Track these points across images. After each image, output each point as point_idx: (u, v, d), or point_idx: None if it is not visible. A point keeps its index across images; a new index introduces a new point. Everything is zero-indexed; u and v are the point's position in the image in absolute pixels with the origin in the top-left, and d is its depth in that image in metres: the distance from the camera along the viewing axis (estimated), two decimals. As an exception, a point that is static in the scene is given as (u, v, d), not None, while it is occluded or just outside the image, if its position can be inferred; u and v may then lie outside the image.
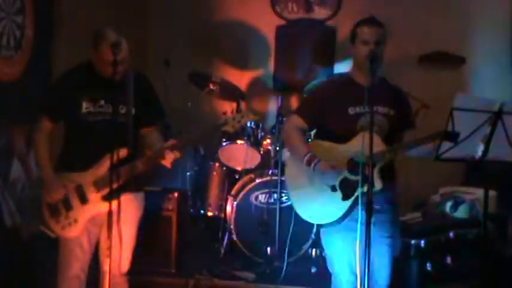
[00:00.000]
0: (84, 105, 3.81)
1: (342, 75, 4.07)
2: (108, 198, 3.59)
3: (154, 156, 3.80)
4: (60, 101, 3.88)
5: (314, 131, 4.18)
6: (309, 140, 4.33)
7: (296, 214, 3.98)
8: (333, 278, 3.91)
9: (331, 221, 3.79)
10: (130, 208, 3.91)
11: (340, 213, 3.74)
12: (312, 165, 3.75)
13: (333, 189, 3.76)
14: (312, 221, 3.98)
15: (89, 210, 3.81)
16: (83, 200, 3.81)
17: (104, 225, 3.65)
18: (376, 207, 3.50)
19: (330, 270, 3.92)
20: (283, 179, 5.28)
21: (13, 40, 4.66)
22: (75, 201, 3.81)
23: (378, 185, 3.61)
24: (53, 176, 3.85)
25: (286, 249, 5.10)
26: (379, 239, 3.70)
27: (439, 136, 3.51)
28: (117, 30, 3.76)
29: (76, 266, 3.91)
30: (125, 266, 3.97)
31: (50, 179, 3.85)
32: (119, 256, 3.81)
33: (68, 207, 3.82)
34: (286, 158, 4.12)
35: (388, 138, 3.78)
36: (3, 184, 4.57)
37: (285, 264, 5.07)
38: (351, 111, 3.79)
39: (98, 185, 3.77)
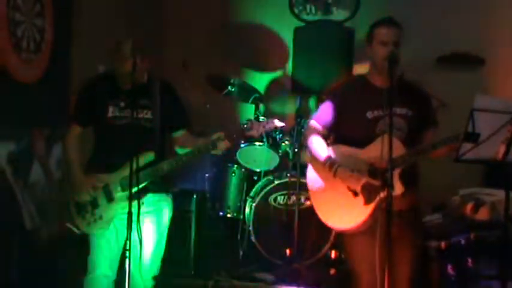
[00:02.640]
0: (110, 109, 3.97)
1: (358, 78, 4.04)
2: (131, 198, 3.64)
3: (206, 146, 3.91)
4: (88, 106, 4.06)
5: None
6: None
7: (316, 216, 3.97)
8: (354, 280, 3.90)
9: (353, 226, 3.77)
10: (157, 209, 4.04)
11: (362, 218, 3.73)
12: (333, 170, 3.74)
13: (355, 194, 3.75)
14: (334, 226, 3.97)
15: (115, 208, 3.92)
16: (109, 198, 3.94)
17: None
18: (398, 210, 3.49)
19: (353, 272, 3.90)
20: (302, 180, 5.28)
21: (33, 43, 4.70)
22: (101, 200, 3.94)
23: (399, 189, 3.59)
24: (83, 178, 3.99)
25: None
26: (402, 241, 3.69)
27: (455, 139, 3.48)
28: (133, 42, 3.91)
29: (104, 264, 3.99)
30: (153, 269, 4.06)
31: (80, 181, 3.99)
32: (148, 257, 3.97)
33: (95, 205, 3.94)
34: (307, 160, 4.10)
35: (409, 139, 3.75)
36: (23, 186, 4.61)
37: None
38: (369, 115, 3.77)
39: (123, 184, 3.87)
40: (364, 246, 3.75)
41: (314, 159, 3.95)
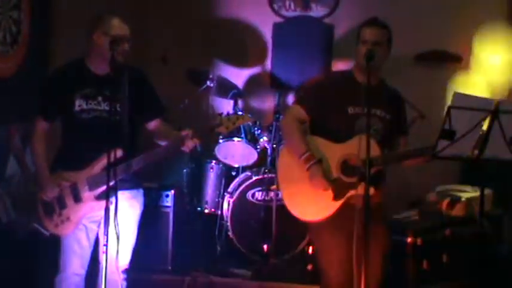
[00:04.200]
0: (77, 102, 3.82)
1: (344, 72, 4.07)
2: (103, 196, 3.57)
3: (175, 142, 3.77)
4: (52, 99, 3.90)
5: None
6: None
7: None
8: (322, 274, 3.91)
9: (318, 219, 3.80)
10: (129, 205, 3.94)
11: (328, 213, 3.76)
12: (308, 165, 3.75)
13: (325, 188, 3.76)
14: (299, 217, 3.94)
15: (82, 209, 3.83)
16: (77, 199, 3.82)
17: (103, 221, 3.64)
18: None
19: (319, 265, 3.92)
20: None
21: (9, 36, 4.65)
22: (69, 200, 3.83)
23: (371, 190, 3.61)
24: (48, 175, 3.87)
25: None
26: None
27: (428, 151, 3.52)
28: (123, 18, 3.79)
29: (75, 263, 3.94)
30: (124, 263, 3.97)
31: (45, 178, 3.87)
32: (118, 253, 3.80)
33: (62, 205, 3.84)
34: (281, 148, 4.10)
35: (384, 142, 3.80)
36: (-1, 180, 4.58)
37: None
38: (350, 110, 3.80)
39: (91, 184, 3.78)
40: (329, 240, 3.79)
41: (289, 147, 3.93)
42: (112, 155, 3.53)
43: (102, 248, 3.66)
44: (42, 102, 4.00)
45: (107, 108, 3.76)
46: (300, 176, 3.80)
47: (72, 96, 3.82)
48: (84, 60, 3.88)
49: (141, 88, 3.96)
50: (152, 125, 4.03)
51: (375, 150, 3.64)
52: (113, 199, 3.57)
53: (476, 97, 3.59)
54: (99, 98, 3.82)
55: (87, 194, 3.80)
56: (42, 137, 3.95)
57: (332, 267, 3.80)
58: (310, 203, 3.80)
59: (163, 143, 3.91)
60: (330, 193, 3.73)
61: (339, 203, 3.73)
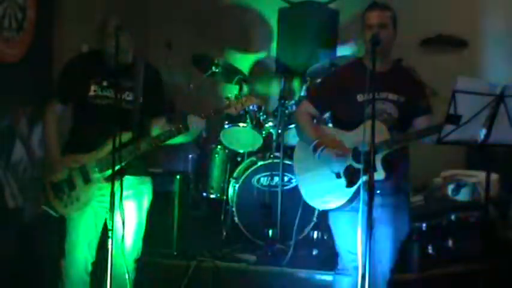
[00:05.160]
0: (92, 88, 3.91)
1: (354, 61, 4.09)
2: (110, 179, 3.60)
3: (183, 125, 3.84)
4: (70, 83, 3.98)
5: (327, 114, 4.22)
6: (329, 123, 4.36)
7: (300, 197, 4.02)
8: (338, 258, 3.95)
9: (334, 207, 3.83)
10: (138, 192, 4.01)
11: (343, 201, 3.78)
12: (318, 151, 3.78)
13: (338, 176, 3.79)
14: (316, 206, 4.07)
15: (91, 189, 3.87)
16: (86, 180, 3.87)
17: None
18: (379, 192, 3.52)
19: (337, 250, 3.96)
20: (285, 161, 5.30)
21: (15, 21, 4.65)
22: (78, 181, 3.87)
23: (381, 174, 3.62)
24: (59, 157, 3.93)
25: (294, 230, 5.10)
26: (384, 222, 3.75)
27: (438, 129, 3.50)
28: (120, 18, 3.83)
29: (83, 247, 3.96)
30: (134, 252, 4.05)
31: (56, 160, 3.93)
32: (130, 240, 3.95)
33: (72, 186, 3.87)
34: (294, 140, 4.18)
35: (399, 125, 3.80)
36: (5, 165, 4.59)
37: (292, 246, 5.08)
38: (360, 98, 3.80)
39: (101, 165, 3.83)
40: (347, 223, 3.80)
41: (301, 138, 4.03)
42: (120, 138, 3.60)
43: (105, 235, 3.70)
44: (60, 86, 4.08)
45: (119, 97, 3.84)
46: (314, 166, 3.86)
47: (88, 82, 3.91)
48: (99, 51, 3.97)
49: (154, 86, 4.06)
50: (155, 120, 4.09)
51: (384, 134, 3.64)
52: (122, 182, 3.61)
53: (481, 81, 3.58)
54: (111, 87, 3.88)
55: (96, 176, 3.85)
56: (55, 119, 4.02)
57: (350, 251, 3.80)
58: (326, 193, 3.84)
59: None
60: (343, 180, 3.77)
61: (352, 190, 3.74)
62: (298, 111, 4.13)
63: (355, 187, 3.73)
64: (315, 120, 4.09)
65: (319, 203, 3.96)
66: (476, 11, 6.59)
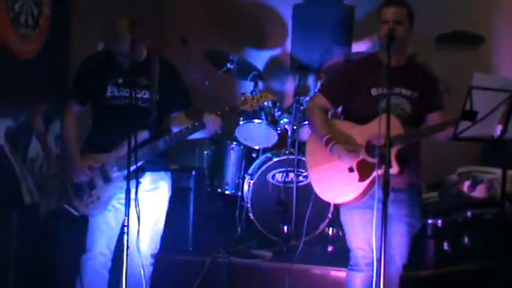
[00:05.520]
0: (109, 89, 3.95)
1: (369, 55, 4.10)
2: (129, 176, 3.62)
3: (199, 123, 3.86)
4: (87, 84, 4.03)
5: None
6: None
7: (314, 193, 4.03)
8: (350, 254, 3.96)
9: (346, 201, 3.85)
10: (157, 188, 4.05)
11: (355, 194, 3.78)
12: (330, 146, 3.79)
13: (350, 170, 3.78)
14: (328, 200, 4.08)
15: (111, 189, 3.92)
16: (106, 179, 3.93)
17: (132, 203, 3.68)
18: (394, 187, 3.51)
19: (348, 246, 3.95)
20: (300, 158, 5.30)
21: (31, 18, 4.67)
22: (98, 181, 3.94)
23: (395, 169, 3.61)
24: (79, 157, 3.98)
25: (304, 226, 5.10)
26: (397, 218, 3.74)
27: (454, 124, 3.48)
28: (130, 20, 3.84)
29: (102, 243, 4.02)
30: (152, 247, 4.08)
31: (76, 161, 3.98)
32: (148, 235, 3.98)
33: (92, 186, 3.95)
34: (308, 136, 4.17)
35: (412, 121, 3.80)
36: (22, 162, 4.61)
37: (301, 243, 5.08)
38: (374, 92, 3.82)
39: (120, 164, 3.87)
40: (358, 219, 3.81)
41: (313, 132, 4.04)
42: (139, 136, 3.68)
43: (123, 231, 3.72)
44: (77, 86, 4.13)
45: (137, 95, 3.89)
46: (326, 160, 3.87)
47: (105, 82, 3.95)
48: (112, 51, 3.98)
49: (170, 79, 4.06)
50: (176, 115, 4.12)
51: (398, 129, 3.63)
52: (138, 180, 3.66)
53: (496, 77, 3.56)
54: (131, 86, 3.88)
55: (116, 174, 3.90)
56: (74, 120, 4.08)
57: (360, 247, 3.83)
58: (338, 186, 3.85)
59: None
60: (355, 175, 3.77)
61: (365, 184, 3.74)
62: (311, 105, 4.14)
63: (367, 181, 3.73)
64: (329, 114, 4.09)
65: (331, 197, 3.98)
66: (492, 7, 6.54)
